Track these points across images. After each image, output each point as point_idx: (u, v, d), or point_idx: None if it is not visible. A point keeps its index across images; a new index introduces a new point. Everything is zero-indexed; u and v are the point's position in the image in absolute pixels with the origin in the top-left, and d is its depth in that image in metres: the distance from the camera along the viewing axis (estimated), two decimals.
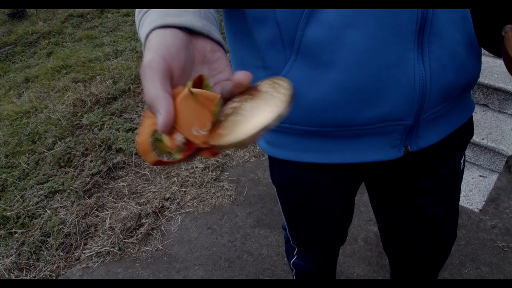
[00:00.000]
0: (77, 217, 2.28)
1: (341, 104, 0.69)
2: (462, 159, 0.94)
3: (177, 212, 2.27)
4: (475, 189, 2.19)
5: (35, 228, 2.27)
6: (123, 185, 2.51)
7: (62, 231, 2.21)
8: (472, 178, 2.26)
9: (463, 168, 0.96)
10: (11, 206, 2.45)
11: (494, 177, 2.25)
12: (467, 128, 0.90)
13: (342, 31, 0.62)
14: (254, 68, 0.76)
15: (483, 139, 2.22)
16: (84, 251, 2.11)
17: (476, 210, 2.07)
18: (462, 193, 2.16)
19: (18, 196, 2.52)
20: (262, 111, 0.39)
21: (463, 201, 2.12)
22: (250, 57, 0.76)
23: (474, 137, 2.24)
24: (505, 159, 2.23)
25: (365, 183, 1.04)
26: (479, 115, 2.40)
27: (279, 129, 0.80)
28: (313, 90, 0.69)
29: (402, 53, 0.65)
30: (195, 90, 0.41)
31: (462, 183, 2.21)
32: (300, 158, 0.82)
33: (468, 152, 2.31)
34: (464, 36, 0.69)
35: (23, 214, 2.36)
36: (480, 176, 2.26)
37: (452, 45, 0.68)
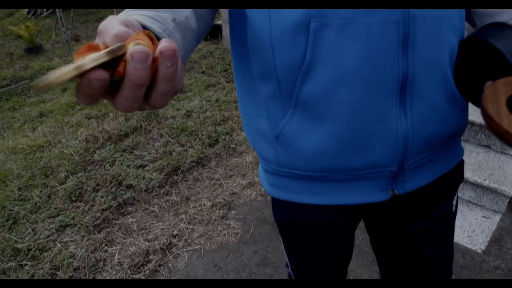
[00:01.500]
0: (86, 252, 2.34)
1: (333, 153, 0.77)
2: (454, 201, 1.00)
3: (184, 249, 2.32)
4: (478, 229, 2.23)
5: (45, 261, 2.31)
6: (132, 221, 2.57)
7: (72, 265, 2.26)
8: (475, 219, 2.29)
9: (455, 210, 1.02)
10: (22, 238, 2.51)
11: (497, 217, 2.28)
12: (456, 173, 0.96)
13: (333, 89, 0.71)
14: (259, 117, 0.85)
15: (485, 180, 2.27)
16: None
17: (479, 251, 2.10)
18: (465, 234, 2.20)
19: (30, 229, 2.58)
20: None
21: (466, 242, 2.15)
22: (255, 107, 0.85)
23: (476, 178, 2.29)
24: (508, 200, 2.27)
25: (364, 222, 1.11)
26: (481, 156, 2.46)
27: (280, 173, 0.88)
28: (309, 140, 0.78)
29: (386, 109, 0.73)
30: None
31: (465, 224, 2.25)
32: (299, 199, 0.90)
33: (471, 193, 2.36)
34: (445, 93, 0.77)
35: (34, 247, 2.41)
36: (483, 216, 2.30)
37: (433, 101, 0.76)
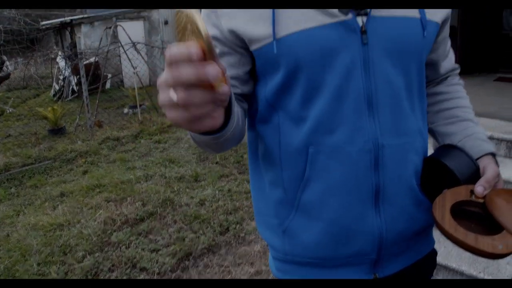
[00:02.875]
0: None
1: (326, 244, 1.00)
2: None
3: None
4: None
5: None
6: None
7: None
8: None
9: None
10: None
11: None
12: (429, 260, 1.16)
13: (325, 197, 0.96)
14: (269, 216, 1.09)
15: (480, 272, 2.42)
16: None
17: None
18: None
19: None
20: None
21: None
22: (266, 208, 1.10)
23: (472, 271, 2.43)
24: None
25: None
26: None
27: (285, 260, 1.08)
28: (306, 234, 1.01)
29: (364, 212, 0.97)
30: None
31: None
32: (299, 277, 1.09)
33: None
34: (411, 198, 1.00)
35: None
36: None
37: (401, 205, 0.99)
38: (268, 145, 1.02)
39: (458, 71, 1.19)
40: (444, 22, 1.02)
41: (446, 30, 1.07)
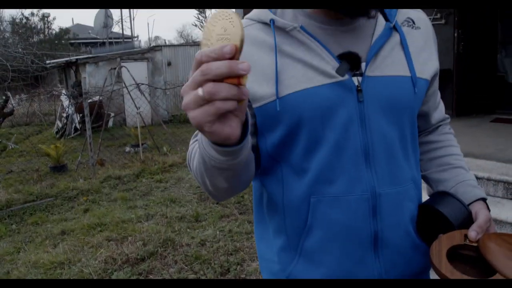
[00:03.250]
0: None
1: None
2: None
3: None
4: None
5: None
6: None
7: None
8: None
9: None
10: None
11: None
12: None
13: (326, 243, 1.01)
14: (272, 262, 1.13)
15: None
16: None
17: None
18: None
19: None
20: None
21: None
22: (269, 253, 1.14)
23: None
24: None
25: None
26: None
27: None
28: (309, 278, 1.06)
29: (364, 256, 1.02)
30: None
31: None
32: None
33: None
34: (408, 242, 1.05)
35: None
36: None
37: (399, 249, 1.04)
38: (271, 195, 1.08)
39: (448, 120, 1.27)
40: (433, 78, 1.10)
41: (436, 84, 1.16)
